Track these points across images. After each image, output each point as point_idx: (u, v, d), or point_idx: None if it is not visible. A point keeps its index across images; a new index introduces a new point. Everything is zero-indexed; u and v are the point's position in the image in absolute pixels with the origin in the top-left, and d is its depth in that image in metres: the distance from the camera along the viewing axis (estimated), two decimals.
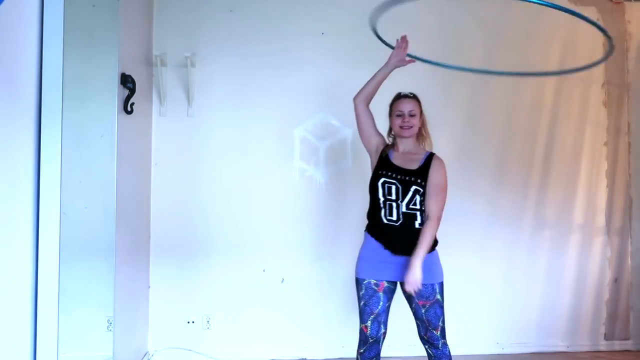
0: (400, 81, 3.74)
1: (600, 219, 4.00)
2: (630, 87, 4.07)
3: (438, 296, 2.39)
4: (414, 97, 2.56)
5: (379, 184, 2.41)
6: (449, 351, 2.44)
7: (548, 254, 3.92)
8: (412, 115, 2.49)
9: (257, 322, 3.62)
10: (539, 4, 2.65)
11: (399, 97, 2.56)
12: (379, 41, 2.79)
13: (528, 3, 2.84)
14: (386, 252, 2.39)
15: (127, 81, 2.77)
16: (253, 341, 3.61)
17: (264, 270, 3.64)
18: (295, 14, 3.73)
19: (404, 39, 2.53)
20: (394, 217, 2.38)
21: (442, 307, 2.41)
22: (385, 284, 2.40)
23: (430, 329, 2.40)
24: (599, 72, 4.03)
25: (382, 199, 2.40)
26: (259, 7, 3.70)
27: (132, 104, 2.84)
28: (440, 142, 3.81)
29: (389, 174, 2.42)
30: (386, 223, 2.39)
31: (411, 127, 2.48)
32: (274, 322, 3.63)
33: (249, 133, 3.67)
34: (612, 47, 2.82)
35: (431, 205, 2.39)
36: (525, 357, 3.76)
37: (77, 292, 2.20)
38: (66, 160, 1.98)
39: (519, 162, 3.91)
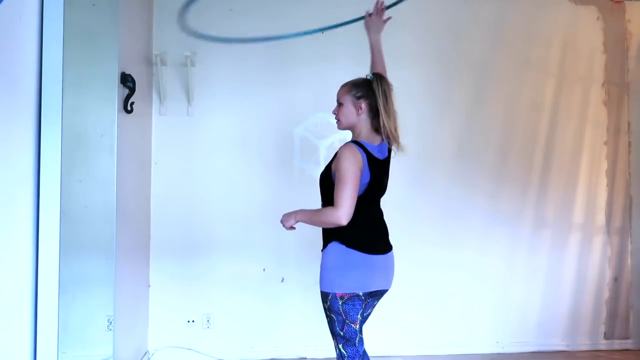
0: (400, 80, 3.75)
1: (600, 218, 4.00)
2: (630, 86, 4.06)
3: (324, 304, 2.16)
4: (347, 83, 2.27)
5: None
6: None
7: (548, 253, 3.92)
8: (339, 105, 2.23)
9: (257, 321, 3.62)
10: None
11: None
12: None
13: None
14: None
15: (127, 80, 2.77)
16: (253, 341, 3.61)
17: (264, 270, 3.64)
18: (295, 12, 3.73)
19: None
20: None
21: (328, 320, 2.17)
22: None
23: None
24: (599, 71, 4.03)
25: None
26: (259, 6, 3.70)
27: (132, 103, 2.84)
28: (441, 141, 3.85)
29: None
30: None
31: (338, 119, 2.24)
32: (274, 322, 3.63)
33: (248, 132, 3.67)
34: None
35: (334, 195, 2.06)
36: (525, 356, 3.76)
37: (77, 291, 2.20)
38: (66, 159, 1.98)
39: (519, 161, 3.91)
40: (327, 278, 2.12)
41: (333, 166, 2.11)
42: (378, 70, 2.45)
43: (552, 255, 3.92)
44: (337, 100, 2.25)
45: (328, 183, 2.14)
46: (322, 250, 2.20)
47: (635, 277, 4.00)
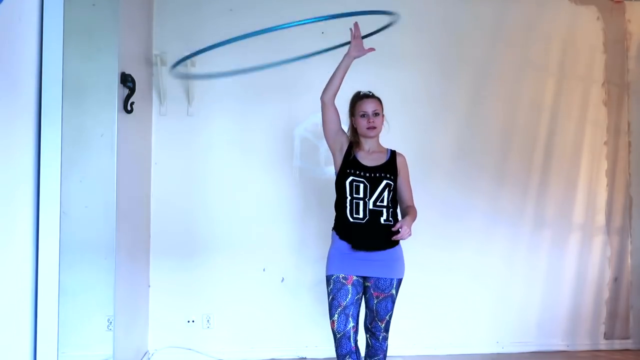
0: (399, 81, 3.76)
1: (600, 218, 4.00)
2: (630, 86, 4.06)
3: (393, 291, 2.48)
4: (375, 96, 2.59)
5: (347, 182, 2.46)
6: (387, 347, 2.53)
7: (548, 253, 3.92)
8: (376, 115, 2.53)
9: (257, 321, 3.61)
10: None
11: (361, 96, 2.58)
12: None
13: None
14: (353, 250, 2.44)
15: (127, 80, 2.77)
16: (253, 341, 3.61)
17: (264, 270, 3.64)
18: (295, 13, 3.72)
19: (356, 26, 2.52)
20: (360, 215, 2.44)
21: (394, 302, 2.50)
22: (354, 278, 2.43)
23: (377, 319, 2.49)
24: (599, 71, 4.03)
25: (349, 197, 2.45)
26: (259, 7, 3.70)
27: (132, 103, 2.84)
28: (441, 142, 3.85)
29: (357, 172, 2.47)
30: (352, 221, 2.44)
31: (376, 127, 2.52)
32: (274, 322, 3.63)
33: (248, 132, 3.66)
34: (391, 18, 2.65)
35: (407, 196, 2.57)
36: (525, 356, 3.76)
37: (77, 291, 2.20)
38: (66, 159, 1.97)
39: (519, 161, 3.91)
40: (404, 267, 2.51)
41: (400, 171, 2.54)
42: (334, 94, 2.53)
43: (552, 255, 3.92)
44: (373, 112, 2.53)
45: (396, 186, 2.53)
46: (387, 248, 2.45)
47: (635, 277, 4.00)
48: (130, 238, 3.07)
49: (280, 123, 3.69)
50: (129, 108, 2.83)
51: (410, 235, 2.38)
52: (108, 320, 2.43)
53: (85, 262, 2.34)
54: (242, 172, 3.65)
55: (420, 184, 3.75)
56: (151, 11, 3.59)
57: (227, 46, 3.65)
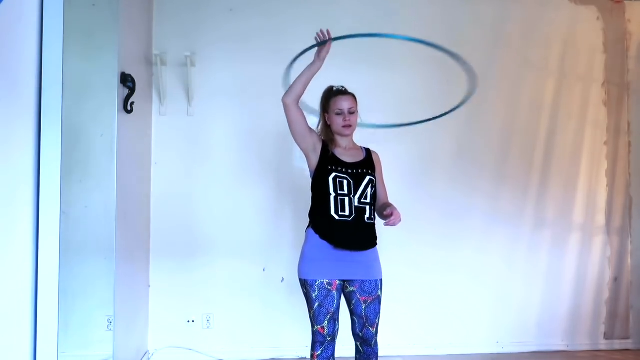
0: (399, 81, 3.76)
1: (600, 218, 4.00)
2: (630, 86, 4.07)
3: (379, 292, 2.40)
4: (350, 92, 2.51)
5: (330, 178, 2.38)
6: (378, 349, 2.44)
7: (548, 253, 3.92)
8: (351, 113, 2.46)
9: (257, 321, 3.62)
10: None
11: (335, 93, 2.50)
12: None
13: None
14: (335, 250, 2.35)
15: (127, 80, 2.77)
16: (253, 341, 3.61)
17: (264, 270, 3.64)
18: (295, 13, 3.73)
19: (327, 32, 2.50)
20: (347, 212, 2.35)
21: (380, 303, 2.42)
22: (338, 282, 2.37)
23: (367, 325, 2.38)
24: (599, 71, 4.03)
25: (333, 194, 2.37)
26: (259, 7, 3.70)
27: (132, 103, 2.84)
28: (441, 141, 3.84)
29: (339, 169, 2.40)
30: (338, 219, 2.35)
31: (352, 125, 2.46)
32: (274, 322, 3.63)
33: (248, 132, 3.66)
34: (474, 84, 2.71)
35: (384, 194, 2.54)
36: (525, 356, 3.76)
37: (77, 291, 2.20)
38: (66, 159, 1.97)
39: (519, 161, 3.91)
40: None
41: (376, 168, 2.49)
42: (299, 98, 2.48)
43: (552, 255, 3.92)
44: (349, 110, 2.45)
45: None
46: (369, 248, 2.40)
47: (635, 277, 4.00)
48: (130, 238, 3.07)
49: (280, 123, 3.66)
50: (129, 108, 2.83)
51: (400, 221, 2.33)
52: (108, 320, 2.43)
53: (85, 261, 2.34)
54: (242, 172, 3.65)
55: (421, 183, 3.77)
56: (151, 11, 3.60)
57: (226, 46, 3.68)
